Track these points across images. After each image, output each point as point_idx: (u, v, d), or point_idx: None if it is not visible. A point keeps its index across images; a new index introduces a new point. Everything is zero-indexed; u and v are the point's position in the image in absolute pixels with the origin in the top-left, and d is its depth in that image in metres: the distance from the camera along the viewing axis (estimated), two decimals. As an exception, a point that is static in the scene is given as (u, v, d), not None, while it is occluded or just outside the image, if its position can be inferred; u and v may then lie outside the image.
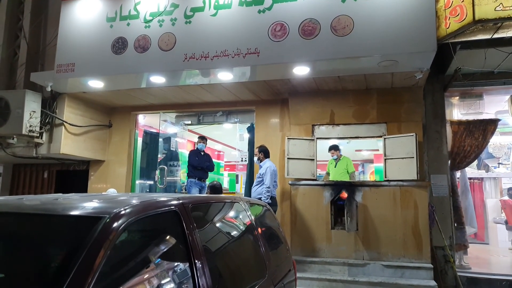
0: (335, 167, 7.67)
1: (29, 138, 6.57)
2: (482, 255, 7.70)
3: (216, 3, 5.44)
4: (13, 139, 6.70)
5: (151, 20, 5.68)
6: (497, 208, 9.24)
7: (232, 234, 2.86)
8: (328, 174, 7.95)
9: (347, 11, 4.95)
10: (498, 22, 4.61)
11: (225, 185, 11.20)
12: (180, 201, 2.16)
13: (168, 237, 2.06)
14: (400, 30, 4.78)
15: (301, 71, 5.37)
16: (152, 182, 7.96)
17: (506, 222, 8.54)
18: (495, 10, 4.54)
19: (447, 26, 4.90)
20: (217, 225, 2.72)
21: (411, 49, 4.75)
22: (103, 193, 5.28)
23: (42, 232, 1.75)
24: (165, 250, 1.99)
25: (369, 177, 12.08)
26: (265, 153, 6.22)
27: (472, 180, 9.55)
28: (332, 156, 7.73)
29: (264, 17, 5.22)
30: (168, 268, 1.91)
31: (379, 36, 4.83)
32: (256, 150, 6.29)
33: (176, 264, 1.95)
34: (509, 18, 4.47)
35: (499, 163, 10.17)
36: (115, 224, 1.61)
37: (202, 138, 7.50)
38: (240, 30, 5.30)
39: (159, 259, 1.89)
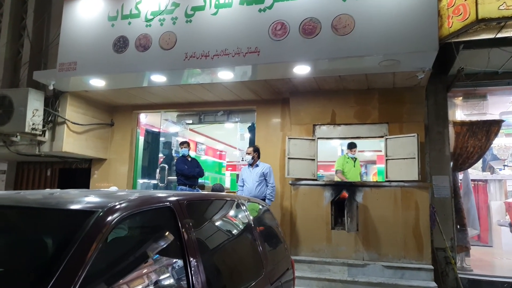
0: (354, 166, 7.57)
1: (32, 136, 6.61)
2: (485, 258, 7.63)
3: (216, 2, 5.45)
4: (16, 137, 6.73)
5: (152, 19, 5.70)
6: (501, 210, 9.15)
7: (228, 232, 2.84)
8: (341, 172, 7.64)
9: (348, 10, 4.93)
10: (502, 21, 4.57)
11: (227, 184, 11.20)
12: (176, 198, 2.16)
13: (162, 233, 2.04)
14: (402, 29, 4.75)
15: (301, 70, 5.36)
16: (154, 181, 7.97)
17: (510, 225, 8.45)
18: (498, 9, 4.50)
19: (450, 25, 4.86)
20: (213, 222, 2.70)
21: (412, 49, 4.71)
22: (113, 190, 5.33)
23: (36, 225, 1.76)
24: (159, 246, 1.98)
25: (371, 178, 12.02)
26: (259, 153, 6.28)
27: (476, 182, 9.47)
28: (352, 154, 7.58)
29: (265, 16, 5.21)
30: (161, 264, 1.90)
31: (380, 35, 4.80)
32: (249, 149, 6.26)
33: (169, 260, 1.94)
34: (513, 17, 4.43)
35: (504, 165, 10.08)
36: (108, 218, 1.60)
37: (184, 143, 7.01)
38: (241, 29, 5.29)
39: (152, 255, 1.87)
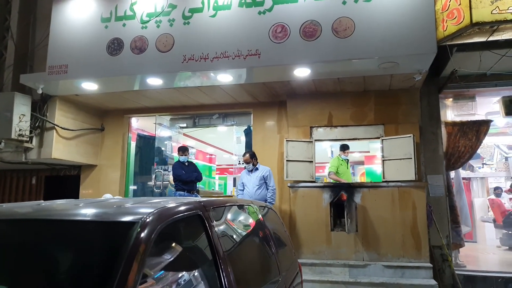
0: (347, 168, 7.60)
1: (18, 142, 6.32)
2: (471, 253, 7.84)
3: (215, 4, 5.38)
4: (0, 143, 6.42)
5: (148, 21, 5.57)
6: (484, 207, 9.47)
7: (248, 236, 2.83)
8: (334, 173, 7.56)
9: (348, 13, 4.98)
10: (494, 25, 4.71)
11: (217, 188, 11.09)
12: (202, 204, 2.14)
13: (194, 240, 2.04)
14: (401, 32, 4.84)
15: (301, 72, 5.37)
16: (134, 187, 7.74)
17: (494, 221, 8.75)
18: (491, 13, 4.64)
19: (445, 29, 4.98)
20: (234, 227, 2.68)
21: (411, 51, 4.81)
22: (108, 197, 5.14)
23: (69, 238, 1.71)
24: (193, 253, 1.98)
25: (359, 178, 12.22)
26: (256, 157, 6.22)
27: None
28: (346, 156, 7.61)
29: (265, 18, 5.19)
30: (196, 271, 1.89)
31: (380, 38, 4.88)
32: (246, 157, 6.14)
33: (203, 267, 1.93)
34: (505, 21, 4.58)
35: (483, 164, 10.44)
36: (148, 230, 1.57)
37: (184, 151, 6.72)
38: (240, 31, 5.25)
39: (188, 263, 1.87)
